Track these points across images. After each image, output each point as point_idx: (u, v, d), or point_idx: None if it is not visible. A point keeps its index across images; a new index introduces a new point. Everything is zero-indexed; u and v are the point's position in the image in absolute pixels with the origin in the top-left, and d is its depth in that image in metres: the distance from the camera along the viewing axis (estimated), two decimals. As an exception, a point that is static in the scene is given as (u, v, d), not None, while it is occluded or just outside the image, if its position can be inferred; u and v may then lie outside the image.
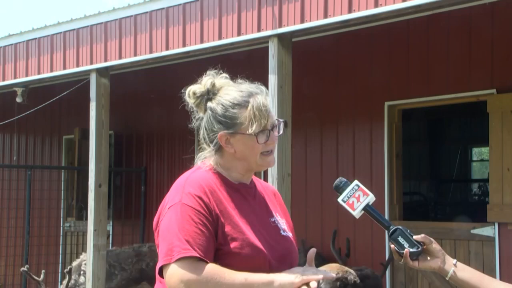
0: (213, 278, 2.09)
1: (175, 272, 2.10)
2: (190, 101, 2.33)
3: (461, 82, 7.14)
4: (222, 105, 2.27)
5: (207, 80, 2.31)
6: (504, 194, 6.72)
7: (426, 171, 13.69)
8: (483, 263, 6.73)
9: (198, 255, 2.09)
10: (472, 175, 15.04)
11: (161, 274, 2.18)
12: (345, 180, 2.32)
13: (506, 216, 6.70)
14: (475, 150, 15.25)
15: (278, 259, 2.24)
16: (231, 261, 2.15)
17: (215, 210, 2.18)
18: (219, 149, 2.29)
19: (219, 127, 2.26)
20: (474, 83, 7.04)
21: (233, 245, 2.16)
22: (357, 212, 2.28)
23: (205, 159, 2.33)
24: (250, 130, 2.24)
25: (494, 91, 6.86)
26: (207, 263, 2.11)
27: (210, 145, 2.30)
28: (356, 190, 2.29)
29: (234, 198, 2.25)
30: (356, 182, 2.31)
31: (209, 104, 2.29)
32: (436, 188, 13.74)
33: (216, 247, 2.17)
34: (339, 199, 2.30)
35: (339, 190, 2.31)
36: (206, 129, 2.30)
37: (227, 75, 2.35)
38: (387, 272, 7.44)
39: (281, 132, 2.31)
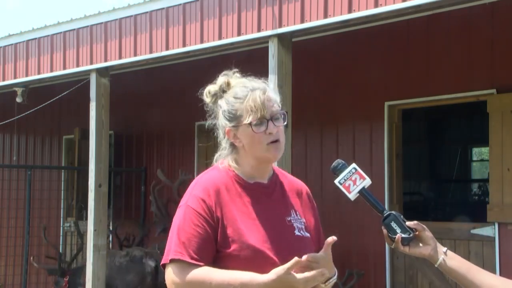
0: (203, 282, 2.16)
1: (169, 274, 2.22)
2: (207, 100, 2.42)
3: (461, 82, 7.14)
4: (227, 101, 2.35)
5: (221, 79, 2.40)
6: (504, 194, 6.72)
7: (426, 171, 13.68)
8: (483, 263, 6.72)
9: (188, 259, 2.18)
10: (472, 175, 15.03)
11: None
12: (343, 162, 2.35)
13: (506, 216, 6.70)
14: (475, 150, 15.24)
15: (287, 259, 2.18)
16: (230, 263, 2.19)
17: (216, 213, 2.24)
18: (232, 145, 2.37)
19: (226, 123, 2.35)
20: (474, 83, 7.03)
21: (232, 247, 2.21)
22: (352, 195, 2.32)
23: (224, 159, 2.40)
24: (246, 120, 2.30)
25: (494, 91, 6.86)
26: (200, 266, 2.18)
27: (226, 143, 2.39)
28: (353, 173, 2.32)
29: (244, 199, 2.30)
30: (353, 165, 2.34)
31: (219, 101, 2.38)
32: (436, 188, 13.73)
33: (217, 249, 2.22)
34: (336, 181, 2.33)
35: (336, 172, 2.34)
36: (219, 127, 2.40)
37: (239, 74, 2.42)
38: (387, 272, 7.44)
39: (282, 122, 2.35)
